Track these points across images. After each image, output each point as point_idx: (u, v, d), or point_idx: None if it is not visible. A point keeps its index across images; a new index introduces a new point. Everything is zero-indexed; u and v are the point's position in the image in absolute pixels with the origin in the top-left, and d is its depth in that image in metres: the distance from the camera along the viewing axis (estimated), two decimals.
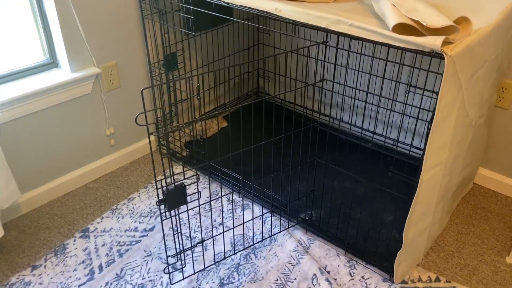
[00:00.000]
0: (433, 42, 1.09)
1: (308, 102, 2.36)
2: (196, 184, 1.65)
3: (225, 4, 1.55)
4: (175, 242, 1.34)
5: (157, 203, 1.17)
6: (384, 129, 2.10)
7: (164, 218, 1.29)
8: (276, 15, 1.42)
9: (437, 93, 1.09)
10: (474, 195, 1.93)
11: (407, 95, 1.85)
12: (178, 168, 2.05)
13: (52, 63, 1.78)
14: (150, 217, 1.79)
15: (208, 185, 1.95)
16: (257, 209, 1.82)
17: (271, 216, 1.78)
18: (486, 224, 1.78)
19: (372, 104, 2.08)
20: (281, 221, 1.76)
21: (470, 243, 1.69)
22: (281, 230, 1.71)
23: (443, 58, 1.10)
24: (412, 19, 1.16)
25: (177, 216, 1.28)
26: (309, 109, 2.30)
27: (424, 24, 1.12)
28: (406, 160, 1.96)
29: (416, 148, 2.00)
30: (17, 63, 1.70)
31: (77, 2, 1.68)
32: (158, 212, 1.82)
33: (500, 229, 1.75)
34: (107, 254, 1.63)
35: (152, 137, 2.16)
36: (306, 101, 2.08)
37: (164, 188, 1.20)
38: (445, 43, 1.12)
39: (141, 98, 2.06)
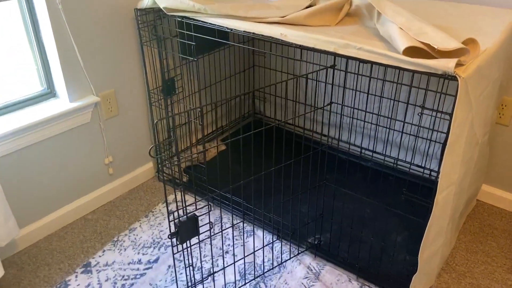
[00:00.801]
0: (446, 65, 1.09)
1: (315, 125, 2.35)
2: (207, 214, 1.61)
3: (228, 30, 1.54)
4: (186, 275, 1.29)
5: (169, 236, 1.12)
6: (394, 150, 2.09)
7: (176, 251, 1.25)
8: (282, 40, 1.41)
9: (447, 114, 1.09)
10: (478, 212, 1.93)
11: (420, 117, 1.86)
12: (179, 196, 2.00)
13: (49, 93, 1.74)
14: (154, 248, 1.74)
15: (207, 212, 1.91)
16: (265, 235, 1.78)
17: (280, 242, 1.74)
18: (494, 242, 1.77)
19: (380, 125, 2.08)
20: (287, 246, 1.72)
21: (480, 262, 1.68)
22: (291, 257, 1.67)
23: (456, 80, 1.10)
24: (422, 42, 1.16)
25: (189, 249, 1.24)
26: (316, 132, 2.29)
27: (436, 47, 1.13)
28: (413, 180, 1.95)
29: (426, 169, 1.99)
30: (14, 94, 1.66)
31: (75, 31, 1.65)
32: (161, 242, 1.76)
33: (508, 245, 1.75)
34: None
35: (150, 164, 2.12)
36: (304, 122, 2.07)
37: (176, 220, 1.16)
38: (457, 65, 1.12)
39: (140, 124, 2.02)
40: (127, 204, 2.00)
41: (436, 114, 1.78)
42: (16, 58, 1.64)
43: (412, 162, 2.02)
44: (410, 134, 1.98)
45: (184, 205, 1.13)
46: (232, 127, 2.46)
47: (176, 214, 1.12)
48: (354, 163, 2.15)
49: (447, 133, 1.17)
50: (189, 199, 1.98)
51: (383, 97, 1.97)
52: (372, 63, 1.23)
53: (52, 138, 1.71)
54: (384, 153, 2.11)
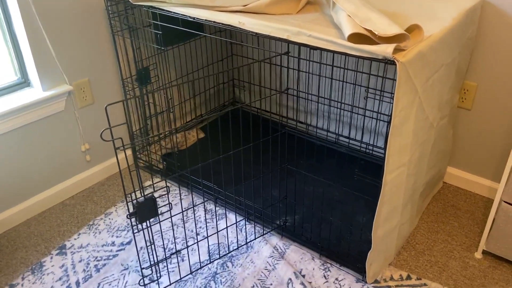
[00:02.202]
0: (385, 50, 1.15)
1: (281, 109, 2.41)
2: (166, 196, 1.67)
3: (191, 19, 1.59)
4: (148, 254, 1.36)
5: (128, 216, 1.19)
6: (353, 132, 2.15)
7: (136, 230, 1.31)
8: (240, 28, 1.46)
9: (390, 96, 1.15)
10: (444, 193, 1.99)
11: (366, 100, 1.93)
12: (156, 181, 2.07)
13: (24, 82, 1.80)
14: (128, 231, 1.81)
15: (184, 196, 1.97)
16: (233, 217, 1.85)
17: (246, 224, 1.81)
18: (456, 222, 1.83)
19: (341, 109, 2.14)
20: (257, 228, 1.79)
21: (440, 241, 1.74)
22: (256, 237, 1.74)
23: (395, 64, 1.15)
24: (365, 29, 1.21)
25: (149, 228, 1.31)
26: (278, 114, 2.35)
27: (376, 33, 1.18)
28: (377, 162, 2.02)
29: (380, 148, 2.06)
30: None
31: (46, 22, 1.70)
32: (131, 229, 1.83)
33: (469, 225, 1.81)
34: (84, 270, 1.64)
35: (129, 152, 2.18)
36: (275, 107, 2.13)
37: (134, 201, 1.23)
38: (397, 50, 1.17)
39: (115, 113, 2.08)
40: (104, 190, 2.07)
41: (381, 97, 1.85)
42: None
43: (375, 144, 2.08)
44: (366, 116, 2.04)
45: (140, 187, 1.20)
46: (212, 115, 2.52)
47: (133, 195, 1.19)
48: (322, 147, 2.22)
49: (390, 115, 1.23)
50: (170, 185, 2.05)
51: (346, 82, 2.02)
52: (321, 49, 1.29)
53: (27, 125, 1.77)
54: (359, 138, 2.17)
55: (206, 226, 1.69)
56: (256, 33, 1.43)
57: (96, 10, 1.85)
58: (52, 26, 1.73)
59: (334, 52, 1.26)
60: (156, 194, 1.91)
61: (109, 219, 1.88)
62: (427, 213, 1.88)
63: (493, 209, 1.56)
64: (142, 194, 1.24)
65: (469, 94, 1.84)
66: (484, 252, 1.67)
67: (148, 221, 1.29)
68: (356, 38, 1.23)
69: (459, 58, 1.62)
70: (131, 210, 1.21)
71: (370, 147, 2.13)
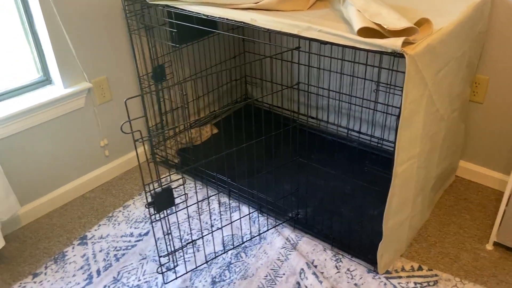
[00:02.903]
0: (394, 43, 1.18)
1: (292, 104, 2.44)
2: (183, 186, 1.73)
3: (205, 17, 1.64)
4: (166, 243, 1.42)
5: (146, 206, 1.25)
6: (365, 126, 2.18)
7: (154, 220, 1.37)
8: (252, 25, 1.51)
9: (400, 88, 1.18)
10: (456, 187, 2.01)
11: (377, 93, 1.95)
12: (171, 176, 2.13)
13: (45, 80, 1.87)
14: (145, 222, 1.87)
15: (199, 190, 2.03)
16: (246, 210, 1.89)
17: (259, 216, 1.86)
18: (468, 214, 1.85)
19: (351, 103, 2.16)
20: (269, 220, 1.84)
21: (452, 233, 1.76)
22: (269, 228, 1.78)
23: (405, 58, 1.18)
24: (375, 23, 1.24)
25: (166, 218, 1.36)
26: (289, 110, 2.39)
27: (386, 27, 1.21)
28: (387, 156, 2.04)
29: (391, 142, 2.08)
30: (13, 81, 1.80)
31: (66, 21, 1.77)
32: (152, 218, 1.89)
33: (481, 218, 1.83)
34: (104, 259, 1.70)
35: (146, 147, 2.25)
36: (287, 103, 2.17)
37: (152, 192, 1.28)
38: (406, 43, 1.20)
39: (132, 109, 2.15)
40: (122, 184, 2.13)
41: (389, 90, 1.87)
42: (14, 48, 1.77)
43: (386, 138, 2.11)
44: (376, 110, 2.06)
45: (158, 178, 1.25)
46: (225, 111, 2.57)
47: (151, 186, 1.24)
48: (333, 142, 2.25)
49: (400, 107, 1.26)
50: (185, 179, 2.11)
51: (360, 77, 2.05)
52: (331, 44, 1.32)
53: (49, 121, 1.84)
54: (370, 133, 2.19)
55: (221, 218, 1.74)
56: (268, 29, 1.47)
57: (114, 10, 1.91)
58: (73, 25, 1.80)
59: (343, 46, 1.29)
60: (172, 186, 1.97)
61: (127, 211, 1.95)
62: (439, 206, 1.90)
63: (503, 201, 1.58)
64: (160, 185, 1.29)
65: (480, 87, 1.86)
66: (495, 243, 1.68)
67: (165, 211, 1.34)
68: (366, 32, 1.26)
69: (469, 52, 1.64)
70: (149, 200, 1.27)
71: (381, 141, 2.15)
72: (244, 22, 1.52)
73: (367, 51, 1.25)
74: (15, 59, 1.79)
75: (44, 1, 1.68)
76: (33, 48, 1.81)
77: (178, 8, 1.69)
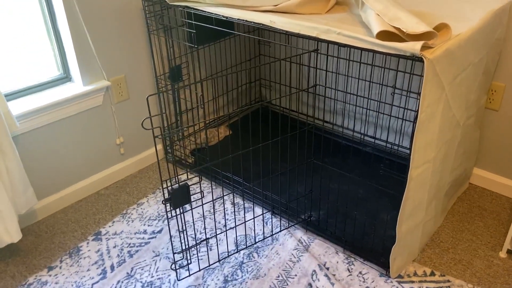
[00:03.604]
0: (413, 47, 1.19)
1: (308, 108, 2.46)
2: (199, 184, 1.75)
3: (224, 18, 1.67)
4: (180, 240, 1.44)
5: (163, 202, 1.27)
6: (379, 132, 2.18)
7: (170, 216, 1.39)
8: (270, 26, 1.53)
9: (416, 93, 1.18)
10: (469, 194, 2.00)
11: (393, 96, 1.96)
12: (185, 175, 2.15)
13: (65, 77, 1.91)
14: (158, 220, 1.89)
15: (213, 190, 2.05)
16: (259, 211, 1.91)
17: (272, 217, 1.87)
18: (481, 222, 1.84)
19: (367, 109, 2.17)
20: (282, 221, 1.85)
21: (465, 240, 1.75)
22: (281, 229, 1.79)
23: (423, 61, 1.19)
24: (394, 27, 1.26)
25: (182, 215, 1.38)
26: (304, 114, 2.40)
27: (405, 30, 1.22)
28: (402, 161, 2.04)
29: (406, 148, 2.08)
30: (34, 78, 1.83)
31: (88, 21, 1.81)
32: (165, 215, 1.91)
33: (494, 225, 1.82)
34: (118, 255, 1.73)
35: (160, 146, 2.28)
36: (302, 106, 2.18)
37: (169, 188, 1.30)
38: (425, 47, 1.21)
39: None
40: (137, 182, 2.16)
41: (406, 94, 1.88)
42: (36, 45, 1.81)
43: (401, 144, 2.11)
44: (392, 116, 2.06)
45: (176, 175, 1.27)
46: (240, 113, 2.59)
47: (169, 183, 1.26)
48: (348, 146, 2.25)
49: (417, 111, 1.26)
50: (195, 178, 2.13)
51: (372, 82, 2.06)
52: (350, 46, 1.33)
53: (67, 118, 1.88)
54: (385, 138, 2.19)
55: (234, 217, 1.75)
56: (286, 31, 1.49)
57: (134, 10, 1.95)
58: (94, 25, 1.83)
59: (362, 49, 1.30)
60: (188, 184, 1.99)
61: (141, 209, 1.97)
62: (452, 212, 1.89)
63: None
64: (177, 182, 1.31)
65: (497, 95, 1.85)
66: (508, 251, 1.67)
67: (180, 208, 1.36)
68: (385, 36, 1.27)
69: (487, 58, 1.64)
70: (166, 196, 1.29)
71: (396, 147, 2.15)
72: (263, 24, 1.54)
73: (386, 54, 1.26)
74: (37, 57, 1.83)
75: (67, 1, 1.72)
76: (55, 46, 1.85)
77: (198, 9, 1.72)
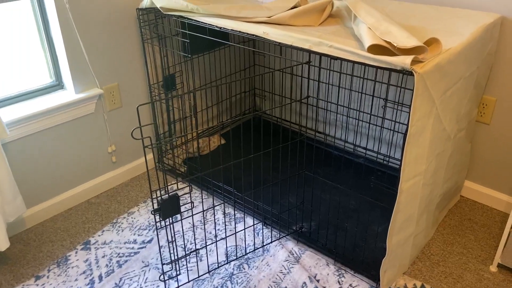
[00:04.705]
0: (403, 61, 1.19)
1: (301, 118, 2.46)
2: (189, 194, 1.74)
3: (217, 29, 1.67)
4: (169, 251, 1.43)
5: (152, 212, 1.26)
6: (371, 143, 2.19)
7: (160, 227, 1.38)
8: (264, 38, 1.53)
9: (407, 106, 1.19)
10: (460, 207, 2.00)
11: (384, 109, 1.97)
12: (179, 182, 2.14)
13: (57, 85, 1.91)
14: (149, 230, 1.87)
15: (204, 199, 2.04)
16: (251, 221, 1.90)
17: (263, 228, 1.86)
18: (472, 235, 1.84)
19: (359, 120, 2.18)
20: (273, 232, 1.84)
21: (456, 253, 1.75)
22: (273, 240, 1.78)
23: (413, 75, 1.20)
24: (385, 40, 1.26)
25: (171, 225, 1.37)
26: (297, 124, 2.40)
27: (396, 45, 1.23)
28: (393, 173, 2.04)
29: (398, 159, 2.09)
30: (26, 85, 1.83)
31: (82, 29, 1.81)
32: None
33: (485, 239, 1.82)
34: (107, 265, 1.71)
35: (151, 155, 2.26)
36: (295, 117, 2.18)
37: (158, 198, 1.29)
38: (415, 62, 1.22)
39: (142, 117, 2.17)
40: (128, 191, 2.15)
41: (397, 107, 1.89)
42: (29, 52, 1.81)
43: (392, 155, 2.11)
44: (384, 127, 2.07)
45: (165, 185, 1.26)
46: (233, 123, 2.59)
47: (158, 193, 1.25)
48: (334, 155, 2.25)
49: (407, 124, 1.27)
50: (191, 189, 2.12)
51: (367, 94, 2.06)
52: (341, 59, 1.34)
53: (59, 125, 1.87)
54: (376, 150, 2.20)
55: (225, 228, 1.74)
56: (279, 43, 1.50)
57: (128, 18, 1.95)
58: (87, 33, 1.83)
59: (353, 62, 1.31)
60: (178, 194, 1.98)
61: (132, 218, 1.95)
62: (443, 225, 1.90)
63: (508, 223, 1.57)
64: (167, 192, 1.30)
65: (488, 108, 1.87)
66: (499, 265, 1.67)
67: (170, 219, 1.35)
68: (376, 49, 1.28)
69: (478, 73, 1.65)
70: (156, 206, 1.28)
71: (387, 159, 2.16)
72: (256, 35, 1.55)
73: (377, 67, 1.27)
74: (29, 64, 1.82)
75: (61, 9, 1.72)
76: (47, 53, 1.84)
77: (192, 19, 1.73)
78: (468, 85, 1.60)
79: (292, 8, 1.67)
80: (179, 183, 2.00)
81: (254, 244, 1.78)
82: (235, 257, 1.70)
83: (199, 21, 1.71)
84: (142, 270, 1.68)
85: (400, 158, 2.03)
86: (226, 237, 1.58)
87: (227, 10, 1.68)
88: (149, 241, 1.82)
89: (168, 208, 1.32)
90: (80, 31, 1.81)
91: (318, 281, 1.62)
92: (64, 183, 1.98)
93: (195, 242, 1.67)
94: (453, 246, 1.78)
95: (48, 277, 1.66)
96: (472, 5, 1.77)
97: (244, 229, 1.59)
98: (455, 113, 1.56)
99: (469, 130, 1.81)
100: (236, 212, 1.96)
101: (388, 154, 2.15)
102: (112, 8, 1.88)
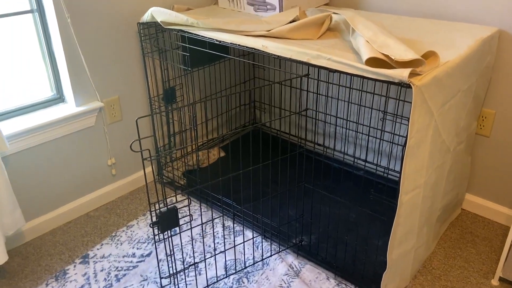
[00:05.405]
0: (401, 74, 1.20)
1: (300, 131, 2.46)
2: (188, 207, 1.73)
3: (217, 42, 1.69)
4: (168, 264, 1.41)
5: (151, 225, 1.25)
6: (371, 155, 2.19)
7: (158, 240, 1.37)
8: (263, 51, 1.54)
9: (406, 118, 1.19)
10: (462, 220, 1.99)
11: (383, 122, 1.97)
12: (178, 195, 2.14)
13: (58, 98, 1.92)
14: (148, 243, 1.86)
15: (204, 212, 2.03)
16: (250, 234, 1.88)
17: (262, 241, 1.85)
18: (473, 248, 1.83)
19: (358, 132, 2.18)
20: (273, 245, 1.83)
21: (457, 266, 1.73)
22: (272, 254, 1.77)
23: (411, 88, 1.20)
24: (383, 53, 1.27)
25: (170, 238, 1.36)
26: (296, 136, 2.40)
27: (393, 57, 1.24)
28: (393, 185, 2.04)
29: (397, 172, 2.08)
30: (27, 98, 1.84)
31: (83, 42, 1.83)
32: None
33: (487, 252, 1.80)
34: (105, 279, 1.69)
35: (150, 168, 2.26)
36: (294, 129, 2.19)
37: (157, 211, 1.29)
38: (413, 74, 1.23)
39: (142, 130, 2.18)
40: (127, 204, 2.14)
41: (395, 119, 1.90)
42: (30, 65, 1.82)
43: (392, 168, 2.11)
44: (383, 140, 2.07)
45: (164, 198, 1.26)
46: (233, 135, 2.59)
47: (157, 205, 1.25)
48: (339, 169, 2.25)
49: (406, 136, 1.27)
50: (190, 201, 2.11)
51: (366, 106, 2.07)
52: (339, 72, 1.35)
53: (60, 138, 1.87)
54: (376, 162, 2.20)
55: (224, 241, 1.73)
56: (278, 56, 1.51)
57: (129, 32, 1.97)
58: (89, 46, 1.85)
59: (352, 75, 1.32)
60: (177, 207, 1.97)
61: (131, 231, 1.94)
62: (444, 238, 1.88)
63: (509, 236, 1.56)
64: (165, 205, 1.30)
65: (487, 121, 1.87)
66: (500, 279, 1.65)
67: (169, 232, 1.34)
68: (374, 62, 1.29)
69: (476, 85, 1.66)
70: (154, 219, 1.27)
71: (387, 171, 2.15)
72: (255, 48, 1.56)
73: (375, 80, 1.27)
74: (30, 77, 1.83)
75: (63, 23, 1.74)
76: (49, 67, 1.86)
77: (192, 33, 1.74)
78: (467, 98, 1.60)
79: (290, 22, 1.69)
80: (178, 196, 2.00)
81: (254, 257, 1.77)
82: (234, 271, 1.69)
83: (199, 35, 1.73)
84: (141, 284, 1.66)
85: (399, 171, 2.03)
86: (225, 250, 1.57)
87: (227, 24, 1.70)
88: (148, 255, 1.80)
89: (167, 221, 1.32)
90: (81, 45, 1.83)
91: None
92: (63, 196, 1.98)
93: (193, 256, 1.66)
94: (455, 260, 1.77)
95: None
96: (469, 19, 1.79)
97: (244, 242, 1.58)
98: (454, 125, 1.56)
99: (468, 142, 1.81)
100: (235, 225, 1.95)
101: (388, 167, 2.14)
102: (113, 22, 1.90)
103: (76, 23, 1.78)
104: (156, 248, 1.32)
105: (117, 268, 1.74)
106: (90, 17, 1.82)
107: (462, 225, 1.96)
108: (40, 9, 1.75)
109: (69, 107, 1.89)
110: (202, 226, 1.50)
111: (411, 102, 1.23)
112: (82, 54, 1.84)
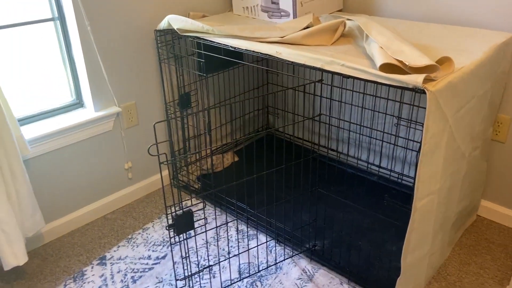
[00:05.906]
0: (415, 79, 1.21)
1: (313, 136, 2.48)
2: (202, 211, 1.76)
3: (232, 49, 1.72)
4: (183, 267, 1.44)
5: (167, 227, 1.28)
6: (385, 161, 2.18)
7: (174, 242, 1.40)
8: (277, 57, 1.57)
9: (421, 124, 1.20)
10: (477, 226, 1.97)
11: (397, 127, 1.97)
12: (193, 198, 2.17)
13: (78, 103, 1.97)
14: (163, 246, 1.89)
15: (218, 216, 2.05)
16: (263, 238, 1.90)
17: (276, 245, 1.86)
18: (488, 255, 1.81)
19: (372, 137, 2.18)
20: (286, 250, 1.84)
21: (472, 273, 1.72)
22: (285, 258, 1.78)
23: (425, 93, 1.21)
24: (397, 59, 1.28)
25: (185, 241, 1.39)
26: (310, 141, 2.42)
27: (407, 63, 1.25)
28: (407, 191, 2.03)
29: (411, 177, 2.08)
30: (48, 104, 1.89)
31: (102, 49, 1.87)
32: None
33: (502, 259, 1.78)
34: (121, 280, 1.73)
35: (166, 172, 2.30)
36: (308, 134, 2.20)
37: (173, 214, 1.32)
38: (427, 80, 1.23)
39: (158, 134, 2.22)
40: (143, 207, 2.18)
41: (410, 124, 1.90)
42: (51, 72, 1.88)
43: (406, 173, 2.10)
44: (397, 145, 2.07)
45: (180, 201, 1.29)
46: (247, 140, 2.62)
47: (173, 208, 1.28)
48: (347, 173, 2.25)
49: (421, 142, 1.28)
50: (205, 205, 2.14)
51: (378, 111, 2.08)
52: (353, 77, 1.36)
53: (78, 143, 1.92)
54: (390, 167, 2.20)
55: (238, 245, 1.75)
56: (292, 62, 1.53)
57: (146, 39, 2.02)
58: (107, 54, 1.90)
59: (365, 80, 1.33)
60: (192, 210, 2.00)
61: (147, 234, 1.98)
62: (460, 245, 1.87)
63: None
64: (181, 208, 1.33)
65: (503, 127, 1.86)
66: None
67: (184, 234, 1.37)
68: (388, 68, 1.30)
69: (491, 91, 1.65)
70: (170, 222, 1.30)
71: (401, 177, 2.15)
72: (269, 55, 1.59)
73: (389, 86, 1.28)
74: (51, 83, 1.89)
75: (83, 30, 1.79)
76: (69, 73, 1.91)
77: (207, 40, 1.78)
78: (482, 104, 1.60)
79: (304, 28, 1.71)
80: (193, 200, 2.03)
81: (267, 261, 1.78)
82: (248, 274, 1.70)
83: (214, 42, 1.76)
84: (156, 286, 1.69)
85: (413, 176, 2.03)
86: (239, 253, 1.59)
87: (241, 30, 1.73)
88: (163, 257, 1.83)
89: (182, 224, 1.34)
90: (100, 52, 1.88)
91: None
92: (81, 198, 2.02)
93: (208, 259, 1.68)
94: (470, 266, 1.75)
95: None
96: (483, 24, 1.79)
97: (257, 246, 1.59)
98: (469, 131, 1.56)
99: (484, 148, 1.80)
100: (249, 229, 1.96)
101: (402, 172, 2.14)
102: (131, 30, 1.95)
103: (96, 31, 1.83)
104: (171, 250, 1.35)
105: (133, 270, 1.78)
106: (109, 24, 1.87)
107: (478, 231, 1.94)
108: (61, 17, 1.81)
109: (88, 112, 1.94)
110: (216, 230, 1.52)
111: (425, 108, 1.23)
112: (101, 61, 1.89)
